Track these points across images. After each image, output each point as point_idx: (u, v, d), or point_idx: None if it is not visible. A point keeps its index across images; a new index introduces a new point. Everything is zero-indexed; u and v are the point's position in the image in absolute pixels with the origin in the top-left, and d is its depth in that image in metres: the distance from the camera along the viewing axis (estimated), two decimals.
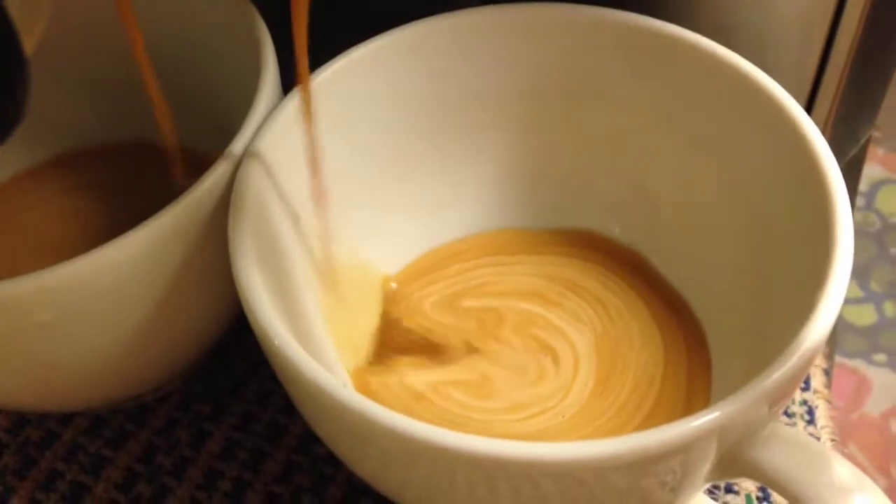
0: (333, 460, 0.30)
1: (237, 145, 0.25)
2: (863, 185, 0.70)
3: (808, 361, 0.21)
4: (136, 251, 0.23)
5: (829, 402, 0.33)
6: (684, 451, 0.20)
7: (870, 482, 0.20)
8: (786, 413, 0.32)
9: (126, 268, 0.24)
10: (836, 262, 0.22)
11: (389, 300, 0.31)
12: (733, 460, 0.21)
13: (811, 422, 0.32)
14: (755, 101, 0.26)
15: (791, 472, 0.20)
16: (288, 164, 0.26)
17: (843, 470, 0.20)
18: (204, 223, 0.25)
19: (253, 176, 0.25)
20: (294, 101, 0.26)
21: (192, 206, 0.24)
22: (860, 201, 0.69)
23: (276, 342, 0.21)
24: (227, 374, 0.33)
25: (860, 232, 0.68)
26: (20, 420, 0.32)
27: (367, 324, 0.30)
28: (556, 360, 0.29)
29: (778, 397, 0.20)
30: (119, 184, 0.35)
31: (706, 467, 0.21)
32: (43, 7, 0.24)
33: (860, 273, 0.68)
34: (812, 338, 0.20)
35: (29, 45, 0.22)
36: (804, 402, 0.33)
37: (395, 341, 0.30)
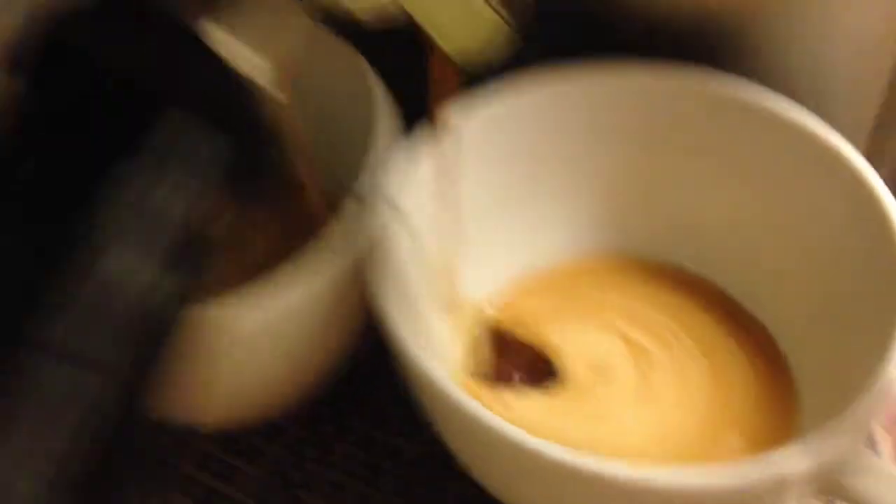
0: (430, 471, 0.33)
1: (360, 193, 0.29)
2: None
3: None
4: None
5: None
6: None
7: None
8: None
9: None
10: None
11: (498, 321, 0.33)
12: (829, 485, 0.24)
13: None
14: (821, 157, 0.30)
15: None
16: (414, 205, 0.30)
17: None
18: (348, 269, 0.28)
19: (387, 221, 0.29)
20: (426, 153, 0.30)
21: (338, 259, 0.28)
22: None
23: (429, 373, 0.24)
24: (350, 398, 0.36)
25: None
26: None
27: (475, 344, 0.33)
28: (660, 382, 0.31)
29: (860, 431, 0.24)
30: None
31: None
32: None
33: None
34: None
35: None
36: None
37: (506, 362, 0.32)
